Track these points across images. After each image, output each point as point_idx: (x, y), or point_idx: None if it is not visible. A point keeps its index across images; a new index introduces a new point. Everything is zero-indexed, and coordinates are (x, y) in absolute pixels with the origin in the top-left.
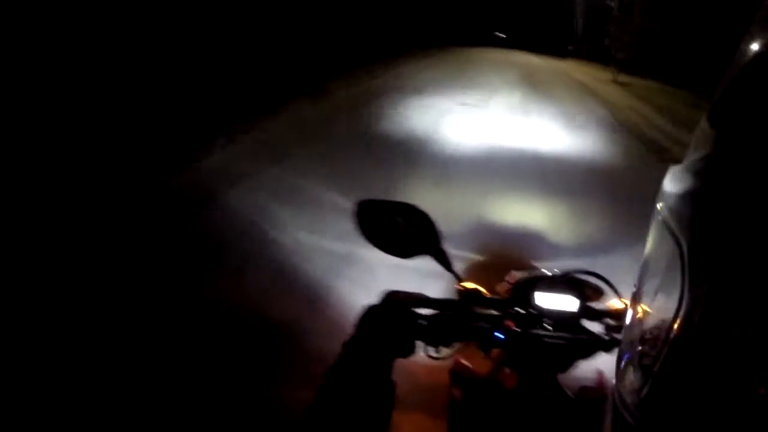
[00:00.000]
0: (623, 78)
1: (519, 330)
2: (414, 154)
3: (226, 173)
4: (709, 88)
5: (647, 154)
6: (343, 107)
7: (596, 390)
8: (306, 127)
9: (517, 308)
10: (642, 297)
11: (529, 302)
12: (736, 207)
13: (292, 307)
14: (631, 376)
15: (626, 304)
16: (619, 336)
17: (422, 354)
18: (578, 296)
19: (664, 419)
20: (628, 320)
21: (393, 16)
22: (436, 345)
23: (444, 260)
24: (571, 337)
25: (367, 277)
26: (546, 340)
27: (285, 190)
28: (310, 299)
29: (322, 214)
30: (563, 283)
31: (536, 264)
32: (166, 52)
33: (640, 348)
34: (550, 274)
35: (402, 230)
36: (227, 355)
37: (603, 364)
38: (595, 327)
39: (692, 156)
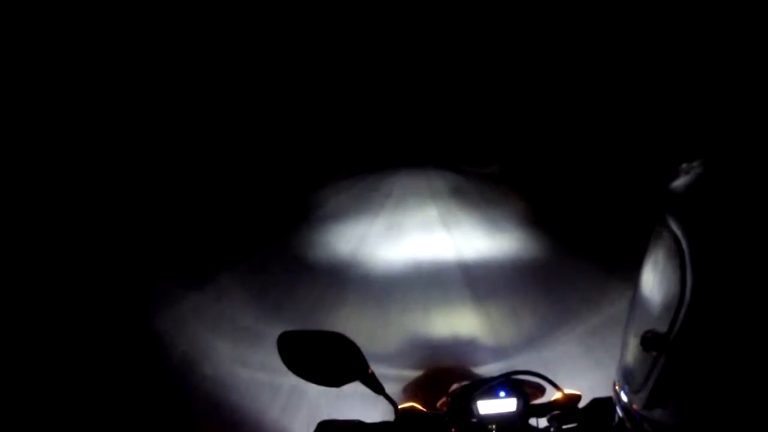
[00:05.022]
0: None
1: None
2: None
3: None
4: None
5: None
6: None
7: None
8: None
9: (458, 421)
10: (642, 297)
11: (469, 412)
12: (735, 208)
13: None
14: (632, 376)
15: (567, 395)
16: (567, 427)
17: None
18: (519, 397)
19: (665, 419)
20: (628, 321)
21: None
22: None
23: (375, 384)
24: None
25: (305, 405)
26: None
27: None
28: None
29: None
30: (501, 387)
31: (475, 371)
32: None
33: (640, 348)
34: (486, 380)
35: (328, 359)
36: None
37: None
38: (542, 423)
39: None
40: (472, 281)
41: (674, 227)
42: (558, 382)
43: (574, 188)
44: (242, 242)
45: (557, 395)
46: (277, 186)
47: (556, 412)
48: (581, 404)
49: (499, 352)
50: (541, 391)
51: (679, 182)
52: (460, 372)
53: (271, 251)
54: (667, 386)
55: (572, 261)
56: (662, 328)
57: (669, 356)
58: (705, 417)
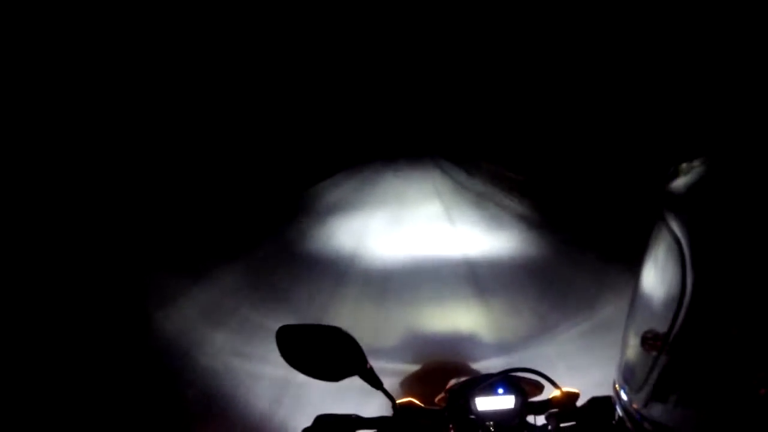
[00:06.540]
0: None
1: None
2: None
3: None
4: None
5: None
6: None
7: None
8: None
9: (456, 416)
10: (642, 297)
11: (467, 408)
12: (735, 207)
13: None
14: (632, 376)
15: (565, 393)
16: (565, 425)
17: None
18: (517, 394)
19: (665, 419)
20: (628, 320)
21: None
22: None
23: (373, 379)
24: None
25: (303, 399)
26: None
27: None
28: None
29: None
30: (500, 383)
31: (474, 367)
32: None
33: (640, 348)
34: (484, 377)
35: (326, 353)
36: None
37: None
38: (540, 420)
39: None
40: (474, 276)
41: (674, 227)
42: (556, 380)
43: (575, 188)
44: (241, 236)
45: (556, 393)
46: (280, 178)
47: (554, 410)
48: (579, 402)
49: (498, 348)
50: (540, 388)
51: (679, 181)
52: (458, 367)
53: (272, 245)
54: (667, 386)
55: (572, 262)
56: (662, 328)
57: (669, 356)
58: (705, 417)
